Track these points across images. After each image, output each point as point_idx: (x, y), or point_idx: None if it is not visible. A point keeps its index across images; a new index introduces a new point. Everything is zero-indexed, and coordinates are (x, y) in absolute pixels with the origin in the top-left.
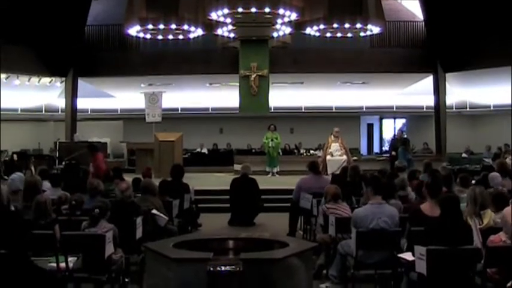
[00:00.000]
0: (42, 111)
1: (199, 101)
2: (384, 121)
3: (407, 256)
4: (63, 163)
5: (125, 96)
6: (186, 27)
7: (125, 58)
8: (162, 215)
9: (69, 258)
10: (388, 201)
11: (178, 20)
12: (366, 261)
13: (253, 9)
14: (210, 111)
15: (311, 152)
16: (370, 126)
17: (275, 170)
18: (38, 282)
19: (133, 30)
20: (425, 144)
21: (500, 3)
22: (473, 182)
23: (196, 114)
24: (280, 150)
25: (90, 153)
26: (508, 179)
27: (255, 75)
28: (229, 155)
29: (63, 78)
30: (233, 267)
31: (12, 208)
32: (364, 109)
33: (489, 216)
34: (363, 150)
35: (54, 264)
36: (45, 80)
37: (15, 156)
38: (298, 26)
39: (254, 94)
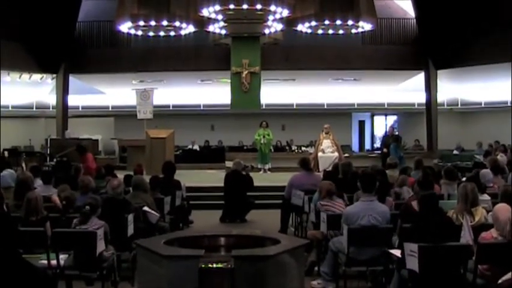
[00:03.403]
0: (33, 108)
1: (191, 97)
2: (376, 118)
3: (399, 253)
4: (55, 160)
5: (116, 92)
6: (177, 23)
7: (116, 55)
8: (153, 212)
9: (60, 256)
10: (383, 199)
11: (170, 16)
12: (358, 258)
13: (245, 6)
14: (201, 108)
15: (303, 148)
16: (361, 123)
17: (267, 166)
18: (29, 279)
19: (125, 27)
20: (417, 141)
21: (491, 1)
22: (464, 178)
23: (187, 111)
24: (272, 147)
25: (79, 155)
26: (500, 176)
27: (246, 71)
28: (221, 152)
29: (54, 75)
30: (224, 264)
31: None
32: (356, 106)
33: (480, 213)
34: (355, 147)
35: (45, 262)
36: (36, 76)
37: (6, 153)
38: (289, 22)
39: (246, 91)
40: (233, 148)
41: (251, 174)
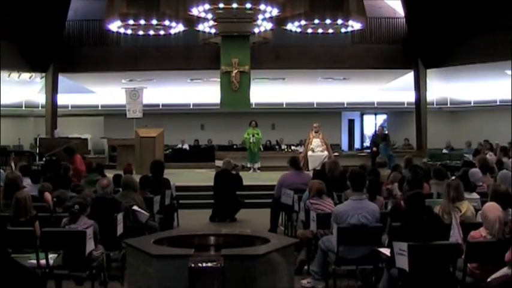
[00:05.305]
0: (22, 107)
1: (181, 96)
2: (365, 117)
3: (388, 251)
4: (44, 159)
5: (105, 92)
6: (167, 22)
7: (105, 54)
8: (143, 211)
9: (50, 255)
10: (374, 198)
11: (159, 15)
12: (347, 257)
13: (235, 5)
14: (191, 107)
15: (292, 148)
16: (351, 122)
17: (256, 165)
18: (18, 279)
19: (114, 26)
20: (406, 140)
21: (480, 0)
22: (453, 177)
23: (177, 110)
24: (261, 146)
25: (68, 156)
26: (488, 175)
27: (236, 71)
28: (211, 151)
29: (43, 74)
30: (214, 263)
31: None
32: (345, 105)
33: (466, 206)
34: (344, 146)
35: (34, 261)
36: (25, 75)
37: None
38: (279, 21)
39: (235, 90)
40: (223, 147)
41: (240, 173)
